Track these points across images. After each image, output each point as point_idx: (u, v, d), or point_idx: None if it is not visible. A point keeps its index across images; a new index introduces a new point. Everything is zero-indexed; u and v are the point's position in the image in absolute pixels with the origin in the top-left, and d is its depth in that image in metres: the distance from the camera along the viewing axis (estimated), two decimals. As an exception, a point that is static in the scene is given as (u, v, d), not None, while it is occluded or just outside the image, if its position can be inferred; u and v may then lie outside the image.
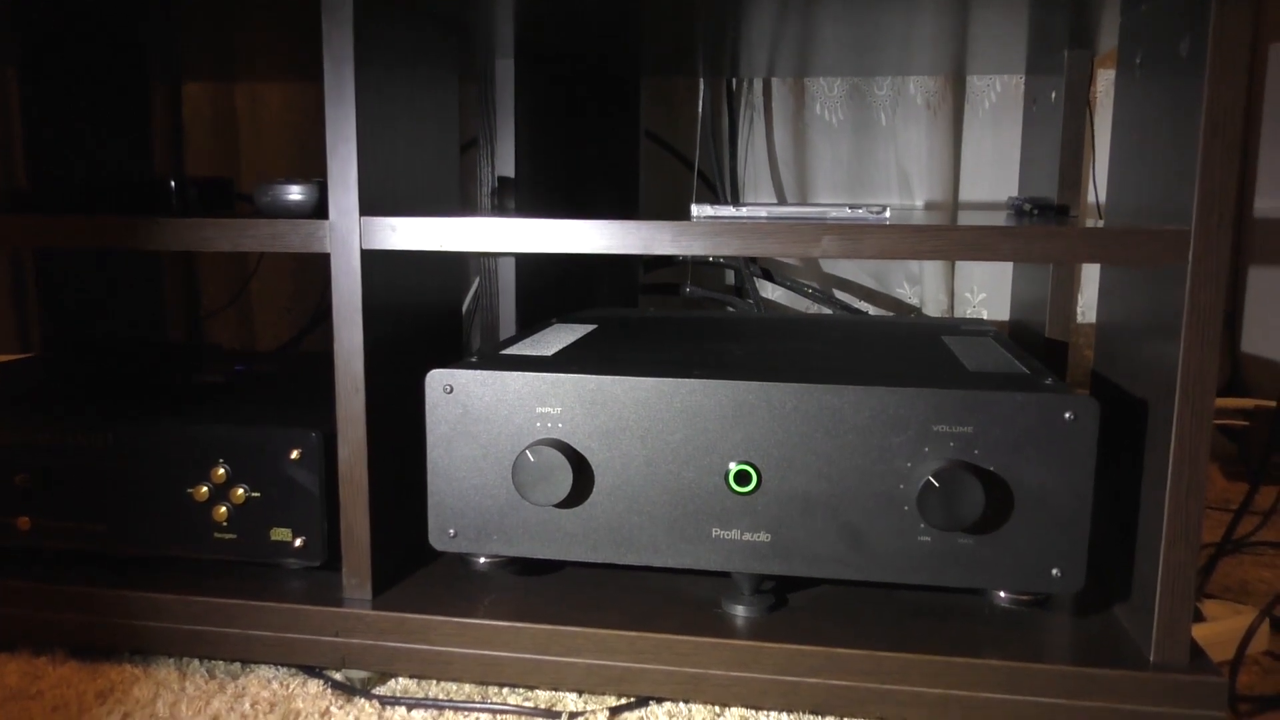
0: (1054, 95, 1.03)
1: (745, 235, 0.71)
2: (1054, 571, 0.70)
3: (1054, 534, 0.70)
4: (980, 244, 0.68)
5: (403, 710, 0.75)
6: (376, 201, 0.77)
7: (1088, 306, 1.49)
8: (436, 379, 0.76)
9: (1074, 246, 0.67)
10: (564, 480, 0.73)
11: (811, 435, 0.71)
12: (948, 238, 0.69)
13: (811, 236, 0.70)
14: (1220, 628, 0.81)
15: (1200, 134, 0.64)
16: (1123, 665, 0.69)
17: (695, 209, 0.79)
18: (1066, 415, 0.68)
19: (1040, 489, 0.69)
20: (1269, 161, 1.44)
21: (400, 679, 0.80)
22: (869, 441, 0.71)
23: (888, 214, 0.76)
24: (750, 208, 0.78)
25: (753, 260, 1.51)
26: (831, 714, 0.73)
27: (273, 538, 0.81)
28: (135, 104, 1.27)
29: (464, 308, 1.27)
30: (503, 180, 1.08)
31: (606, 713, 0.74)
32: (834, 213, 0.78)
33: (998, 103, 1.49)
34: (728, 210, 0.78)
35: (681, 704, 0.76)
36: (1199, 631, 0.74)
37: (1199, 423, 0.66)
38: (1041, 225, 0.69)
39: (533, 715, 0.75)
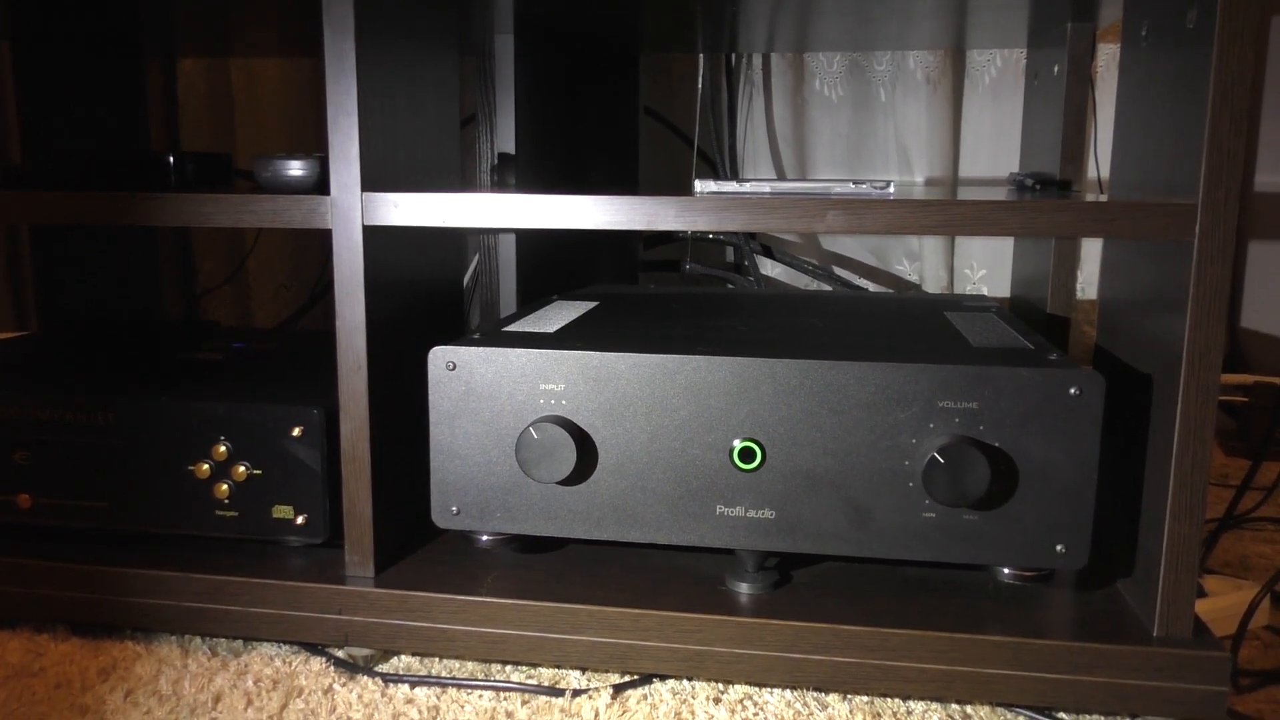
0: (1056, 69, 1.02)
1: (750, 210, 0.70)
2: (1058, 547, 0.70)
3: (1058, 510, 0.69)
4: (987, 218, 0.68)
5: (405, 688, 0.75)
6: (378, 177, 0.76)
7: (1087, 283, 1.49)
8: (439, 356, 0.75)
9: (1081, 220, 0.67)
10: (567, 457, 0.73)
11: (816, 411, 0.71)
12: (953, 212, 0.68)
13: (816, 211, 0.69)
14: (1221, 603, 0.82)
15: (1208, 105, 0.63)
16: (1126, 640, 0.69)
17: (699, 184, 0.78)
18: (1072, 390, 0.68)
19: (1045, 464, 0.69)
20: (1270, 136, 1.44)
21: (403, 657, 0.80)
22: (874, 418, 0.71)
23: (892, 189, 0.76)
24: (753, 183, 0.77)
25: (752, 237, 1.50)
26: (836, 691, 0.74)
27: (274, 515, 0.81)
28: (130, 79, 1.26)
29: (464, 284, 1.27)
30: (503, 156, 1.07)
31: (610, 690, 0.74)
32: (838, 188, 0.77)
33: (997, 78, 1.48)
34: (731, 185, 0.77)
35: (685, 681, 0.76)
36: (1200, 607, 0.74)
37: (1204, 397, 0.66)
38: (1048, 199, 0.69)
39: (536, 693, 0.75)
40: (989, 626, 0.71)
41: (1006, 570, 0.72)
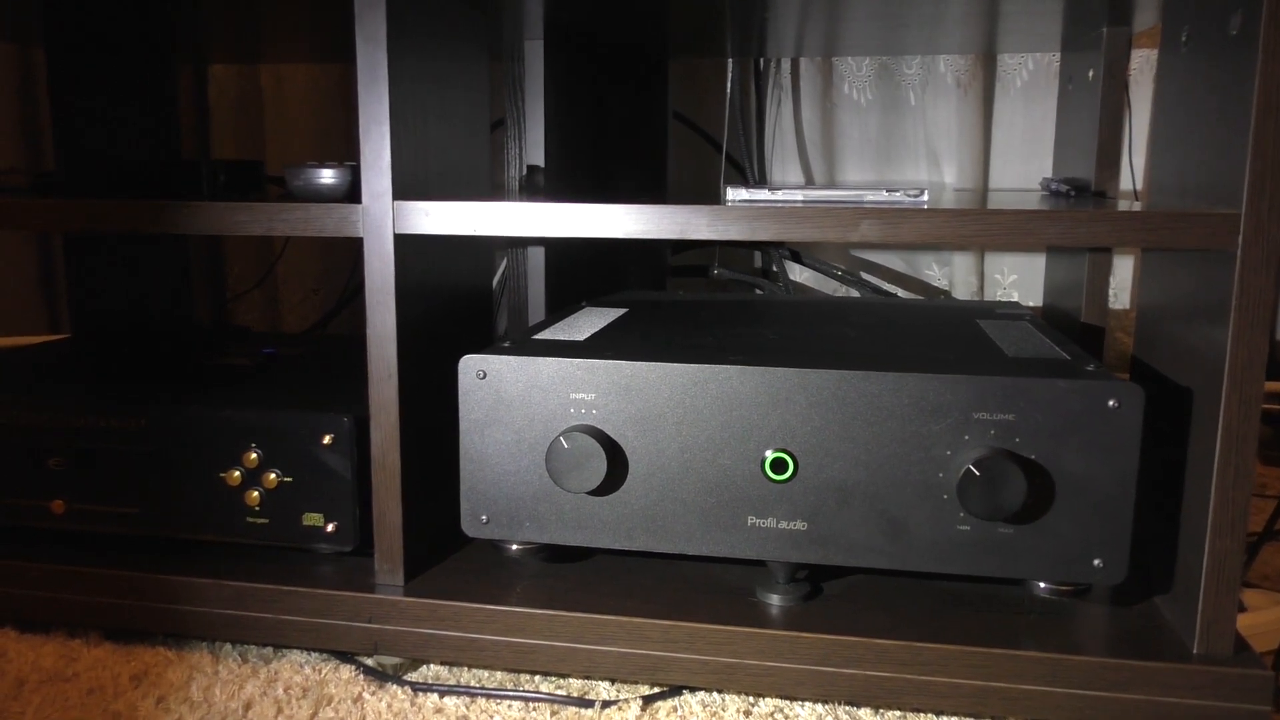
0: (1090, 74, 1.01)
1: (782, 220, 0.70)
2: (1096, 562, 0.69)
3: (1096, 524, 0.68)
4: (1024, 229, 0.67)
5: (435, 697, 0.75)
6: (409, 185, 0.76)
7: (1119, 289, 1.47)
8: (470, 364, 0.75)
9: (1121, 230, 0.66)
10: (598, 467, 0.72)
11: (849, 422, 0.70)
12: (990, 222, 0.67)
13: (849, 221, 0.69)
14: (1262, 618, 0.80)
15: (1253, 113, 0.62)
16: (1165, 657, 0.68)
17: (730, 192, 0.77)
18: (1110, 403, 0.67)
19: (1083, 478, 0.68)
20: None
21: (432, 665, 0.80)
22: (908, 429, 0.70)
23: (925, 197, 0.75)
24: (785, 191, 0.77)
25: (781, 242, 1.49)
26: (868, 705, 0.73)
27: (305, 523, 0.81)
28: (162, 86, 1.27)
29: (492, 289, 1.26)
30: (531, 165, 1.07)
31: (640, 702, 0.74)
32: (870, 196, 0.77)
33: (1029, 81, 1.47)
34: (763, 194, 0.76)
35: (715, 694, 0.75)
36: (1239, 622, 0.73)
37: (1247, 410, 0.65)
38: (1086, 209, 0.68)
39: (565, 704, 0.74)
40: (1024, 642, 0.70)
41: (1042, 585, 0.71)
